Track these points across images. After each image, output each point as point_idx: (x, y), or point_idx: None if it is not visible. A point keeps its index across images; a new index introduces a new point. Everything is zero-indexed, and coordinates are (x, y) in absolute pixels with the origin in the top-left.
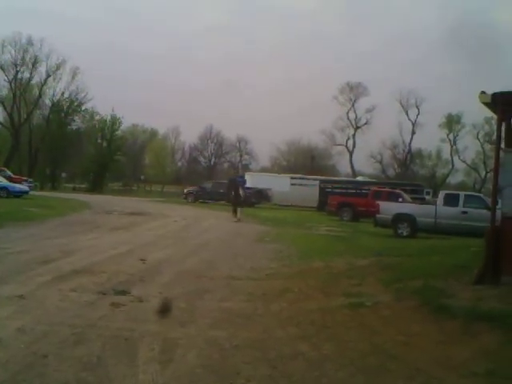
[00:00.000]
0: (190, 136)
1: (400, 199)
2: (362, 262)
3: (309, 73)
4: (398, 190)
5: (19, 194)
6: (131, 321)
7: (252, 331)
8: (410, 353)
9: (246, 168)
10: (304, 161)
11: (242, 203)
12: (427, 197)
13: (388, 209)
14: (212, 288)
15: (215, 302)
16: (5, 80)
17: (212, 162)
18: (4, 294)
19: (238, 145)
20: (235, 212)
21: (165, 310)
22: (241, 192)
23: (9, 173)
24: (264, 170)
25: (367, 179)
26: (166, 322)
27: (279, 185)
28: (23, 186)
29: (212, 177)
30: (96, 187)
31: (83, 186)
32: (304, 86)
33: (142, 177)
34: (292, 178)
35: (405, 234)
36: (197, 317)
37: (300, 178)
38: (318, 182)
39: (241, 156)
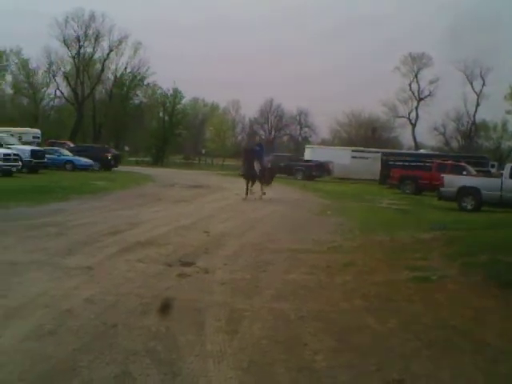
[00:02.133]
0: (250, 109)
1: (464, 172)
2: (425, 236)
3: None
4: (462, 163)
5: (85, 168)
6: (198, 291)
7: (317, 303)
8: (477, 327)
9: (306, 141)
10: (365, 133)
11: (256, 177)
12: (492, 170)
13: (452, 182)
14: (275, 260)
15: (279, 274)
16: (68, 55)
17: (272, 135)
18: (72, 265)
19: (298, 118)
20: (247, 187)
21: (164, 308)
22: (256, 164)
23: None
24: (324, 142)
25: (430, 152)
26: (231, 293)
27: (340, 158)
28: (88, 160)
29: (272, 150)
30: (158, 161)
31: (146, 159)
32: (365, 57)
33: (203, 150)
34: (353, 150)
35: (469, 207)
36: (261, 288)
37: (361, 151)
38: (379, 154)
39: (301, 129)
